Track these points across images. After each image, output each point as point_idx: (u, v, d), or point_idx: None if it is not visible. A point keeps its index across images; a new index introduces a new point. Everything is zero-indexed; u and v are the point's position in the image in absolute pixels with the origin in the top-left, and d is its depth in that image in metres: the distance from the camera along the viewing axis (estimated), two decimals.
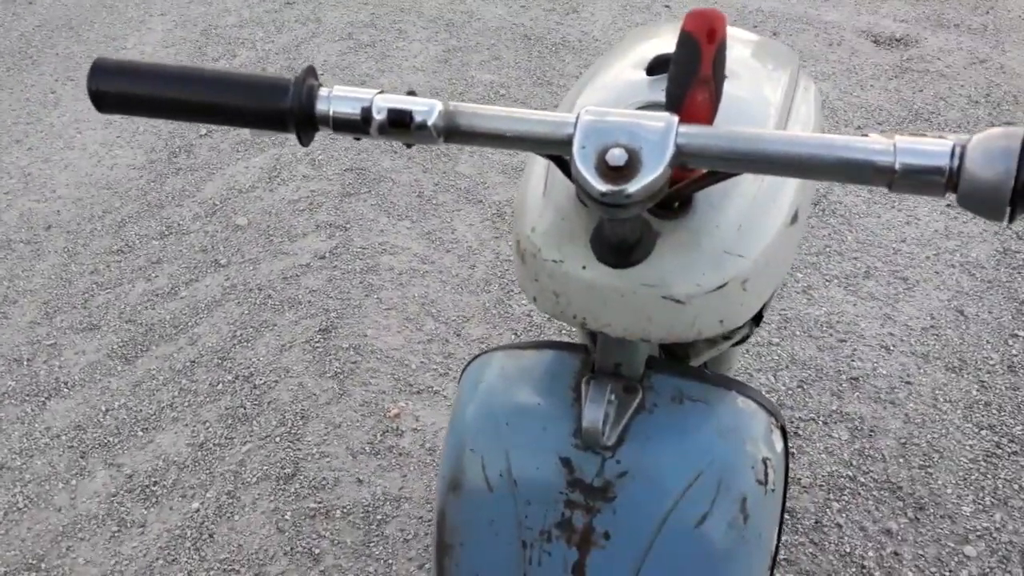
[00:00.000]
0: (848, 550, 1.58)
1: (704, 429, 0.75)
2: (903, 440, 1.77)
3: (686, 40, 0.63)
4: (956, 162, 0.54)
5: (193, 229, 2.44)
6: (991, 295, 2.11)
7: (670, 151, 0.58)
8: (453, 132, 0.63)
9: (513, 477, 0.76)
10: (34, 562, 1.63)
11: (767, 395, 1.85)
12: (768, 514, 0.76)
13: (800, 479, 1.70)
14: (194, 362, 2.03)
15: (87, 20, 3.58)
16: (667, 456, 0.74)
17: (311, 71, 0.65)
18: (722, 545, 0.72)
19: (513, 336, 2.05)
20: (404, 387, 1.94)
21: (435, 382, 1.95)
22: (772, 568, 0.80)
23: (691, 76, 0.64)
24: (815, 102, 0.96)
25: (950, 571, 1.55)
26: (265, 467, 1.78)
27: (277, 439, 1.84)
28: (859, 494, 1.67)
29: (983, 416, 1.81)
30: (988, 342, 1.98)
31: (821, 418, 1.83)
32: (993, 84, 2.91)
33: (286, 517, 1.68)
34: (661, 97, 0.68)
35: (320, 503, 1.71)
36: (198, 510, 1.71)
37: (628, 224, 0.66)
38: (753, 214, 0.72)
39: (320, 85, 0.65)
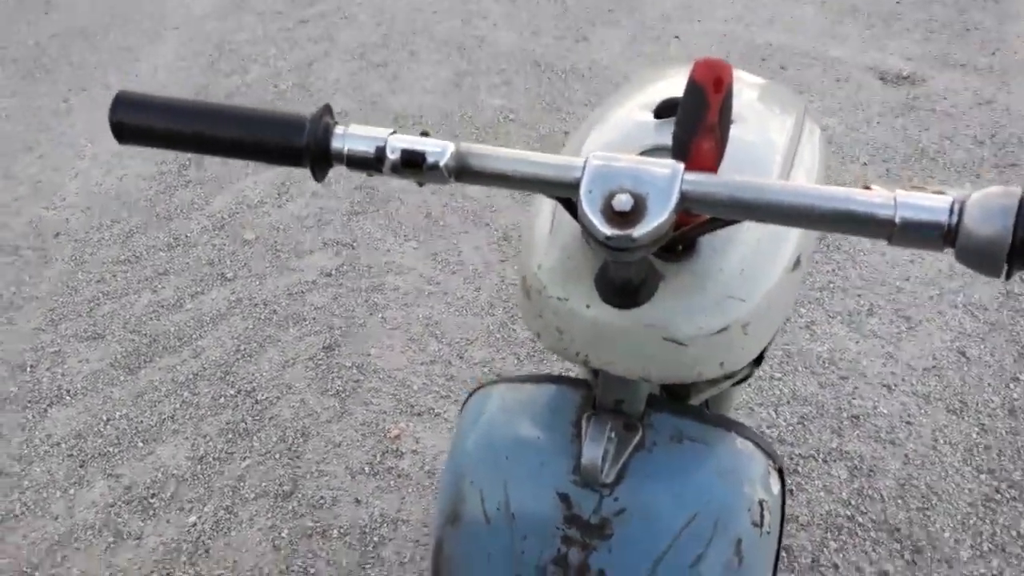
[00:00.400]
0: None
1: (702, 470, 0.76)
2: (902, 481, 1.77)
3: (693, 89, 0.65)
4: (955, 218, 0.54)
5: (201, 242, 2.45)
6: (993, 337, 2.11)
7: (675, 198, 0.59)
8: (464, 172, 0.65)
9: (511, 511, 0.77)
10: (28, 570, 1.63)
11: (767, 432, 1.86)
12: (763, 556, 0.76)
13: (798, 517, 1.70)
14: (197, 375, 2.03)
15: (101, 31, 3.61)
16: (665, 495, 0.74)
17: (327, 109, 0.67)
18: None
19: (516, 360, 2.06)
20: (405, 408, 1.95)
21: (436, 404, 1.95)
22: None
23: (698, 124, 0.65)
24: (820, 146, 0.97)
25: None
26: (264, 483, 1.78)
27: (277, 456, 1.84)
28: (857, 534, 1.67)
29: (983, 460, 1.82)
30: (989, 385, 1.99)
31: (821, 456, 1.83)
32: (998, 125, 2.93)
33: (283, 535, 1.68)
34: (668, 141, 0.70)
35: (317, 522, 1.71)
36: (195, 524, 1.71)
37: (632, 266, 0.67)
38: (756, 259, 0.73)
39: (336, 123, 0.66)
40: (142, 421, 1.92)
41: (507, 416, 0.81)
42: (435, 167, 0.64)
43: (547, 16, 3.68)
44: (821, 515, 1.71)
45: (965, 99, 3.08)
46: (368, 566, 1.63)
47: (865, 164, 2.74)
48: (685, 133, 0.66)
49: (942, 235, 0.55)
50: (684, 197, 0.60)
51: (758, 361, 0.93)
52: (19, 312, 2.23)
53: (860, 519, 1.70)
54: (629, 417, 0.77)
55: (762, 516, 0.76)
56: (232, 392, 1.99)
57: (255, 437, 1.88)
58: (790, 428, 1.89)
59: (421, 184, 0.67)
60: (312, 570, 1.62)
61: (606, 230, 0.59)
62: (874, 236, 0.57)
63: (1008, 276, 0.54)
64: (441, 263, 2.36)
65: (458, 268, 2.35)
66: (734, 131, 0.83)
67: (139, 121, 0.68)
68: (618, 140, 0.84)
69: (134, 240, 2.47)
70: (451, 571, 0.79)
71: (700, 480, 0.75)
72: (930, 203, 0.55)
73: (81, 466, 1.83)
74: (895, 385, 1.98)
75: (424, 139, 0.65)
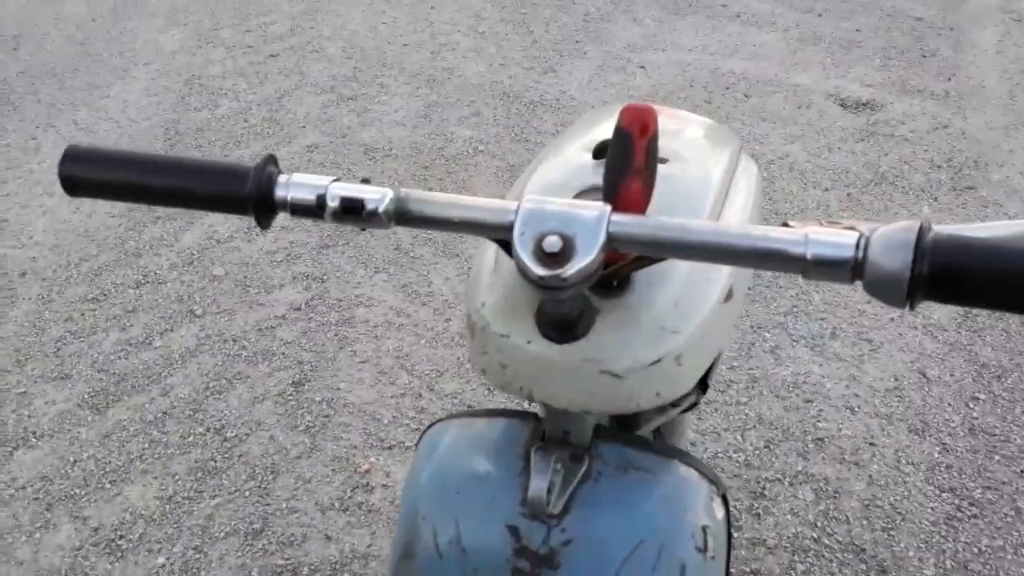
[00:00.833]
0: None
1: (647, 498, 0.78)
2: (867, 502, 1.80)
3: (620, 134, 0.68)
4: (861, 253, 0.57)
5: (169, 279, 2.45)
6: (952, 358, 2.16)
7: (602, 238, 0.62)
8: (404, 218, 0.67)
9: (463, 545, 0.78)
10: None
11: (733, 457, 1.88)
12: None
13: (765, 540, 1.72)
14: (166, 413, 2.03)
15: (71, 68, 3.62)
16: (611, 524, 0.76)
17: (271, 159, 0.69)
18: None
19: (487, 392, 2.07)
20: (375, 442, 1.95)
21: (407, 437, 1.96)
22: None
23: (625, 167, 0.68)
24: (755, 183, 1.00)
25: None
26: (233, 522, 1.78)
27: (246, 493, 1.84)
28: (823, 556, 1.70)
29: (944, 479, 1.85)
30: (950, 404, 2.03)
31: (787, 478, 1.85)
32: (955, 149, 3.01)
33: (253, 574, 1.68)
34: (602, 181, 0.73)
35: (288, 559, 1.70)
36: (164, 565, 1.70)
37: (568, 302, 0.70)
38: (688, 293, 0.76)
39: (279, 172, 0.69)
40: (110, 461, 1.91)
41: (459, 451, 0.83)
42: (374, 213, 0.66)
43: (515, 47, 3.73)
44: (788, 538, 1.73)
45: (923, 124, 3.15)
46: None
47: (827, 190, 2.80)
48: (614, 176, 0.69)
49: (850, 269, 0.58)
50: (611, 238, 0.63)
51: (703, 388, 0.96)
52: None
53: (826, 540, 1.73)
54: (576, 448, 0.79)
55: (706, 541, 0.78)
56: (201, 430, 1.98)
57: (224, 475, 1.88)
58: (756, 452, 1.91)
59: (363, 229, 0.69)
60: None
61: (538, 270, 0.62)
62: (788, 271, 0.60)
63: (912, 307, 0.56)
64: (411, 295, 2.38)
65: (428, 300, 2.36)
66: (670, 169, 0.86)
67: (88, 174, 0.70)
68: (558, 181, 0.87)
69: (102, 278, 2.46)
70: None
71: (645, 508, 0.77)
72: (838, 240, 0.58)
73: (47, 509, 1.81)
74: (858, 407, 2.02)
75: (364, 186, 0.67)
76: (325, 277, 2.45)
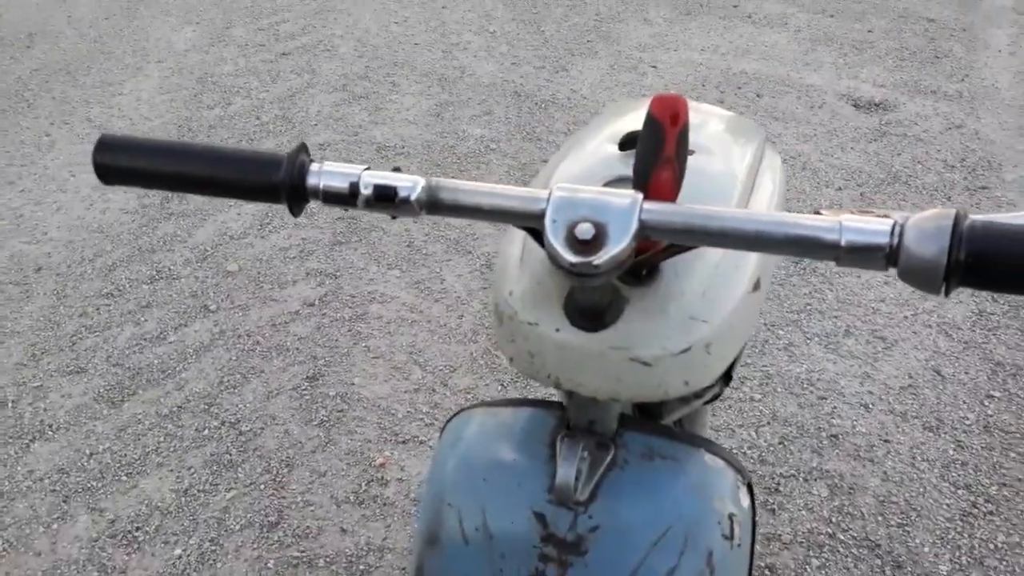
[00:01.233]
0: None
1: (673, 485, 0.78)
2: (882, 498, 1.80)
3: (651, 123, 0.68)
4: (896, 240, 0.58)
5: (184, 274, 2.46)
6: (967, 356, 2.15)
7: (634, 226, 0.63)
8: (434, 206, 0.68)
9: (489, 531, 0.78)
10: None
11: (748, 453, 1.88)
12: (735, 569, 0.79)
13: (781, 535, 1.72)
14: (181, 407, 2.03)
15: (84, 65, 3.63)
16: (637, 511, 0.76)
17: (303, 147, 0.70)
18: None
19: (500, 387, 2.07)
20: (390, 436, 1.96)
21: (421, 432, 1.96)
22: None
23: (656, 156, 0.68)
24: (779, 175, 1.01)
25: None
26: (249, 514, 1.78)
27: (262, 486, 1.84)
28: (839, 551, 1.69)
29: (959, 475, 1.84)
30: (964, 402, 2.02)
31: (802, 475, 1.85)
32: (968, 149, 3.00)
33: (269, 566, 1.68)
34: (631, 172, 0.73)
35: (303, 552, 1.71)
36: (180, 557, 1.70)
37: (598, 291, 0.70)
38: (716, 282, 0.76)
39: (311, 160, 0.69)
40: (126, 454, 1.92)
41: (485, 439, 0.83)
42: (406, 201, 0.67)
43: (526, 47, 3.74)
44: (803, 533, 1.72)
45: (936, 125, 3.15)
46: None
47: (840, 189, 2.79)
48: (644, 165, 0.69)
49: (885, 256, 0.58)
50: (643, 225, 0.63)
51: (727, 380, 0.96)
52: (0, 347, 2.22)
53: (841, 536, 1.72)
54: (601, 436, 0.80)
55: (732, 529, 0.78)
56: (216, 424, 1.99)
57: (240, 468, 1.88)
58: (771, 448, 1.91)
59: (394, 217, 0.70)
60: None
61: (570, 257, 0.62)
62: (823, 258, 0.61)
63: (947, 293, 0.56)
64: (424, 291, 2.38)
65: (441, 296, 2.37)
66: (697, 161, 0.86)
67: (121, 162, 0.71)
68: (585, 172, 0.87)
69: (116, 273, 2.47)
70: None
71: (671, 496, 0.78)
72: (873, 227, 0.58)
73: (64, 501, 1.82)
74: (872, 404, 2.02)
75: (396, 174, 0.68)
76: (338, 273, 2.46)
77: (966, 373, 2.10)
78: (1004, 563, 1.67)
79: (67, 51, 3.76)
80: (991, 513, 1.76)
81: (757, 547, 1.69)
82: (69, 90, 3.45)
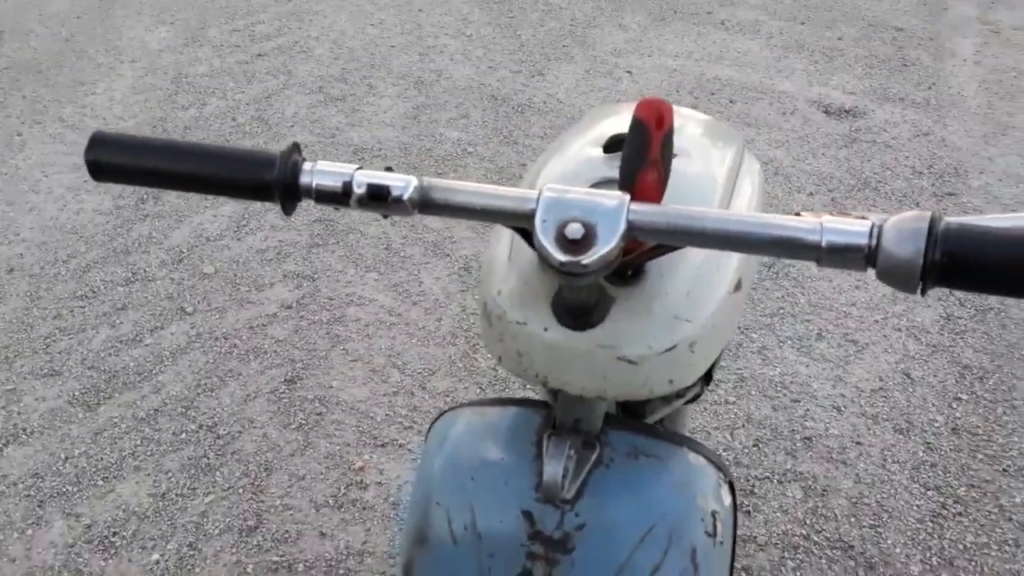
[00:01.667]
0: None
1: (657, 484, 0.80)
2: (854, 500, 1.83)
3: (637, 126, 0.70)
4: (875, 241, 0.60)
5: (159, 276, 2.44)
6: (936, 359, 2.20)
7: (622, 227, 0.64)
8: (426, 205, 0.69)
9: (477, 530, 0.80)
10: None
11: (721, 453, 1.91)
12: (717, 565, 0.81)
13: (756, 537, 1.75)
14: (157, 410, 2.02)
15: (56, 64, 3.59)
16: (623, 509, 0.78)
17: (296, 147, 0.70)
18: None
19: (479, 389, 2.08)
20: (369, 440, 1.96)
21: (400, 435, 1.97)
22: None
23: (642, 159, 0.70)
24: (758, 178, 1.03)
25: None
26: (228, 519, 1.78)
27: (240, 490, 1.84)
28: (812, 552, 1.73)
29: (929, 477, 1.89)
30: (933, 405, 2.07)
31: (776, 477, 1.88)
32: (935, 156, 3.06)
33: (248, 570, 1.68)
34: (616, 174, 0.75)
35: (283, 556, 1.71)
36: (158, 562, 1.69)
37: (585, 290, 0.71)
38: (700, 282, 0.78)
39: (304, 159, 0.70)
40: (102, 458, 1.90)
41: (471, 439, 0.85)
42: (399, 200, 0.68)
43: (503, 51, 3.75)
44: (778, 535, 1.76)
45: (904, 131, 3.21)
46: None
47: (811, 195, 2.84)
48: (630, 167, 0.71)
49: (864, 257, 0.60)
50: (630, 226, 0.65)
51: (708, 379, 0.98)
52: None
53: (815, 538, 1.76)
54: (587, 435, 0.81)
55: (715, 526, 0.80)
56: (193, 427, 1.98)
57: (218, 472, 1.88)
58: (745, 451, 1.94)
59: (386, 216, 0.71)
60: None
61: (559, 256, 0.64)
62: (803, 259, 0.63)
63: (923, 292, 0.59)
64: (402, 294, 2.39)
65: (419, 299, 2.37)
66: (678, 164, 0.88)
67: (113, 159, 0.71)
68: (570, 173, 0.89)
69: (91, 275, 2.45)
70: None
71: (655, 493, 0.79)
72: (852, 228, 0.61)
73: (39, 506, 1.80)
74: (844, 407, 2.06)
75: (388, 174, 0.69)
76: (316, 276, 2.45)
77: (935, 376, 2.15)
78: (973, 563, 1.71)
79: (38, 50, 3.71)
80: (960, 514, 1.81)
81: None
82: (40, 89, 3.40)
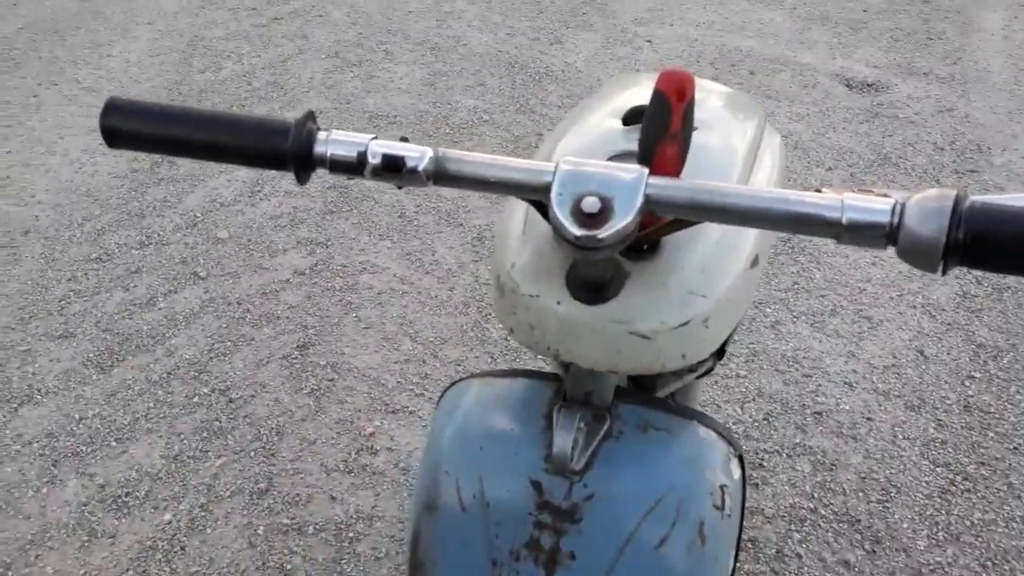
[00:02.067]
0: None
1: (666, 456, 0.80)
2: (863, 475, 1.83)
3: (658, 98, 0.68)
4: (896, 219, 0.58)
5: (173, 240, 2.45)
6: (950, 337, 2.18)
7: (639, 201, 0.63)
8: (441, 176, 0.68)
9: (486, 499, 0.80)
10: (1, 570, 1.63)
11: (730, 426, 1.90)
12: (725, 538, 0.81)
13: (763, 509, 1.75)
14: (170, 373, 2.04)
15: (72, 25, 3.58)
16: (631, 481, 0.78)
17: (311, 115, 0.70)
18: (681, 567, 0.77)
19: (489, 359, 2.09)
20: (380, 406, 1.97)
21: (411, 402, 1.98)
22: None
23: (662, 131, 0.69)
24: (779, 152, 1.02)
25: None
26: (239, 481, 1.79)
27: (252, 454, 1.86)
28: (819, 526, 1.73)
29: (939, 454, 1.88)
30: (946, 382, 2.06)
31: (785, 451, 1.88)
32: (958, 132, 3.02)
33: (259, 532, 1.70)
34: (634, 147, 0.74)
35: (293, 519, 1.73)
36: (170, 522, 1.72)
37: (600, 264, 0.71)
38: (716, 257, 0.77)
39: (319, 129, 0.69)
40: (115, 420, 1.93)
41: (481, 409, 0.85)
42: (414, 171, 0.67)
43: (521, 18, 3.71)
44: (785, 508, 1.76)
45: (927, 107, 3.16)
46: (343, 561, 1.65)
47: (830, 169, 2.81)
48: (650, 140, 0.69)
49: (885, 235, 0.59)
50: (648, 200, 0.64)
51: (720, 354, 0.98)
52: None
53: (823, 511, 1.76)
54: (597, 408, 0.81)
55: (723, 500, 0.80)
56: (206, 391, 2.00)
57: (230, 435, 1.89)
58: (756, 424, 1.94)
59: (400, 187, 0.70)
60: (288, 566, 1.64)
61: (575, 230, 0.63)
62: (823, 235, 0.62)
63: (944, 272, 0.58)
64: (415, 263, 2.39)
65: (432, 268, 2.37)
66: (699, 137, 0.87)
67: (128, 126, 0.71)
68: (588, 145, 0.88)
69: (105, 238, 2.46)
70: (428, 557, 0.82)
71: (664, 466, 0.79)
72: (874, 205, 0.59)
73: (54, 465, 1.83)
74: (856, 383, 2.05)
75: (404, 144, 0.68)
76: (329, 243, 2.45)
77: (948, 354, 2.13)
78: (979, 539, 1.71)
79: (54, 10, 3.70)
80: (968, 491, 1.80)
81: None
82: (57, 50, 3.40)
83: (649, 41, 3.55)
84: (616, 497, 0.78)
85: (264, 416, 1.94)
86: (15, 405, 1.96)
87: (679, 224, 0.71)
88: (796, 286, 2.34)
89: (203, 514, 1.73)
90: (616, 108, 0.93)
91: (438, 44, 3.49)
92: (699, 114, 0.93)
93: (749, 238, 0.81)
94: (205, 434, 1.90)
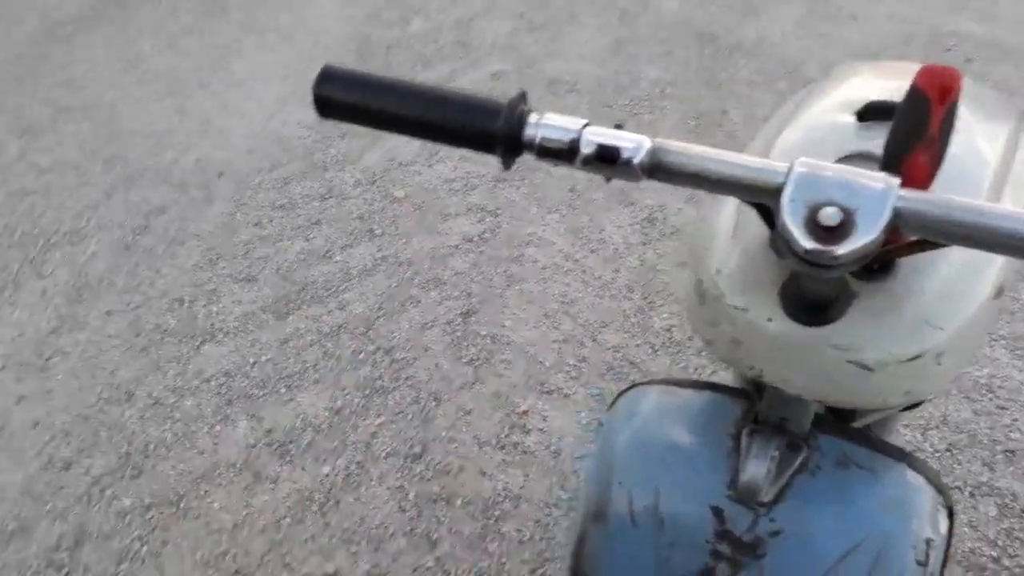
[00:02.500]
0: None
1: (867, 499, 0.73)
2: None
3: (916, 96, 0.59)
4: None
5: (352, 195, 2.52)
6: None
7: (887, 215, 0.55)
8: (657, 170, 0.61)
9: (660, 516, 0.76)
10: (175, 499, 1.75)
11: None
12: None
13: None
14: (340, 327, 2.11)
15: None
16: (825, 522, 0.72)
17: (523, 96, 0.64)
18: None
19: (650, 349, 2.02)
20: (535, 384, 1.96)
21: (566, 384, 1.95)
22: None
23: (916, 136, 0.60)
24: None
25: None
26: (395, 443, 1.84)
27: (409, 416, 1.89)
28: None
29: None
30: None
31: (968, 488, 1.72)
32: None
33: (409, 497, 1.74)
34: (871, 147, 0.65)
35: (443, 488, 1.75)
36: (328, 475, 1.78)
37: (827, 282, 0.63)
38: (957, 284, 0.68)
39: (531, 111, 0.64)
40: (286, 367, 2.01)
41: (661, 419, 0.80)
42: (628, 163, 0.60)
43: None
44: (963, 552, 1.61)
45: None
46: (488, 539, 1.66)
47: None
48: (900, 145, 0.60)
49: None
50: (896, 215, 0.55)
51: None
52: (181, 247, 2.36)
53: (1006, 562, 1.60)
54: (793, 436, 0.75)
55: (927, 555, 0.72)
56: (372, 348, 2.05)
57: (390, 396, 1.94)
58: (937, 455, 1.78)
59: (608, 180, 0.64)
60: (435, 536, 1.67)
61: (807, 243, 0.55)
62: None
63: None
64: (582, 240, 2.34)
65: (599, 247, 2.32)
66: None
67: (341, 96, 0.68)
68: (813, 142, 0.78)
69: (291, 187, 2.56)
70: (594, 568, 0.79)
71: (865, 509, 0.72)
72: None
73: (228, 404, 1.93)
74: None
75: (619, 132, 0.61)
76: (499, 211, 2.45)
77: None
78: None
79: None
80: None
81: None
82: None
83: (854, 18, 3.28)
84: (807, 537, 0.71)
85: (424, 380, 1.97)
86: (198, 342, 2.09)
87: (924, 245, 0.61)
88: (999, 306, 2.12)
89: (359, 472, 1.79)
90: (847, 101, 0.82)
91: (626, 8, 3.38)
92: None
93: (995, 264, 0.70)
94: (368, 391, 1.95)
